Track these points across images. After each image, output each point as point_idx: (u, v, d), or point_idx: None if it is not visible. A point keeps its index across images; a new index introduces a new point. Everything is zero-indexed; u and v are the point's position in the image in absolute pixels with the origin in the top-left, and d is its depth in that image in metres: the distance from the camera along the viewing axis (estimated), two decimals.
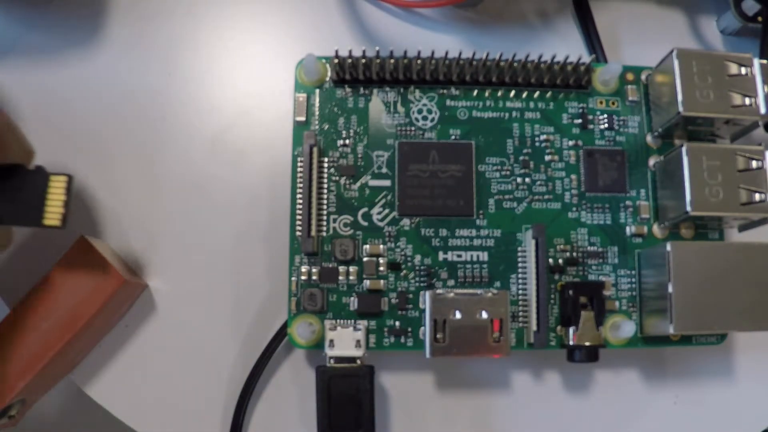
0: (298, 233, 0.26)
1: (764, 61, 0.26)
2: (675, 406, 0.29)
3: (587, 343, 0.26)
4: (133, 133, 0.29)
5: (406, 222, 0.27)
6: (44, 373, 0.25)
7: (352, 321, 0.26)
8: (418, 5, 0.30)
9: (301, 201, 0.26)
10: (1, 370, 0.25)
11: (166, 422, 0.28)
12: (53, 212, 0.24)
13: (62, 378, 0.28)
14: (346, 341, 0.25)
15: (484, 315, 0.25)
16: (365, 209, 0.27)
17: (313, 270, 0.26)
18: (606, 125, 0.28)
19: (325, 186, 0.27)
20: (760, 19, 0.30)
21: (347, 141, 0.27)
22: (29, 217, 0.24)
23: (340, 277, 0.26)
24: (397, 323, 0.26)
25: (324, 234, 0.27)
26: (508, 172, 0.28)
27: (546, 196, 0.28)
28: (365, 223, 0.27)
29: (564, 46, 0.31)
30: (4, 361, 0.25)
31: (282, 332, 0.27)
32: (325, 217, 0.27)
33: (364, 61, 0.27)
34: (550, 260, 0.27)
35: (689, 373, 0.29)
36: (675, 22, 0.32)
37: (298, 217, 0.26)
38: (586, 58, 0.28)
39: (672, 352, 0.29)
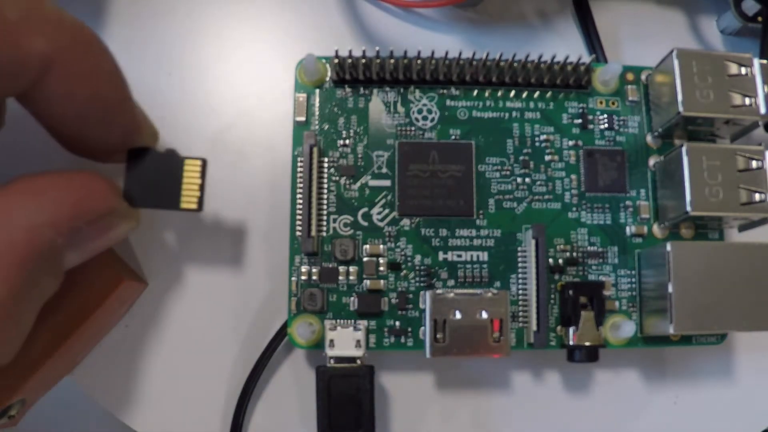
0: (298, 233, 0.26)
1: (764, 61, 0.26)
2: (675, 406, 0.29)
3: (587, 343, 0.26)
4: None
5: (406, 222, 0.27)
6: (44, 373, 0.25)
7: (352, 321, 0.26)
8: (418, 5, 0.30)
9: (301, 201, 0.26)
10: (1, 371, 0.25)
11: (166, 422, 0.28)
12: (190, 196, 0.24)
13: (62, 378, 0.28)
14: (346, 341, 0.25)
15: (484, 315, 0.25)
16: (365, 209, 0.27)
17: (313, 270, 0.26)
18: (606, 125, 0.28)
19: (325, 186, 0.27)
20: (760, 19, 0.30)
21: (347, 141, 0.27)
22: (166, 201, 0.24)
23: (340, 277, 0.26)
24: (397, 323, 0.26)
25: (324, 234, 0.27)
26: (508, 172, 0.28)
27: (546, 196, 0.28)
28: (365, 223, 0.27)
29: (564, 46, 0.31)
30: None
31: (282, 332, 0.27)
32: (325, 217, 0.27)
33: (364, 61, 0.27)
34: (550, 260, 0.27)
35: (689, 373, 0.29)
36: (675, 22, 0.32)
37: (298, 217, 0.26)
38: (586, 58, 0.28)
39: (672, 352, 0.29)
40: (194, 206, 0.24)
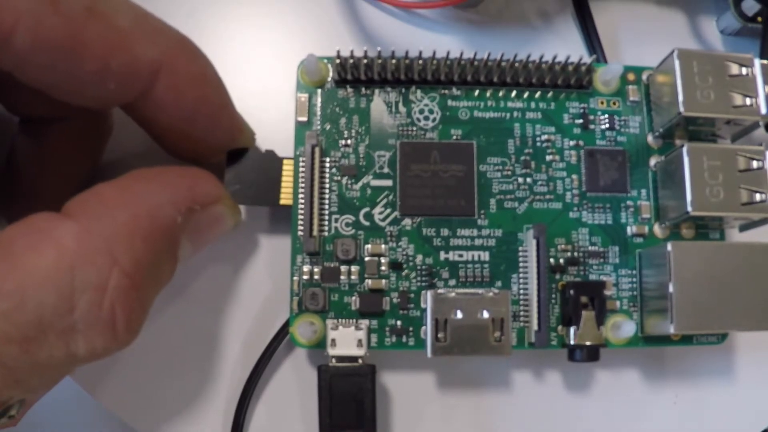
0: (300, 233, 0.26)
1: (765, 62, 0.26)
2: (675, 406, 0.29)
3: (588, 343, 0.26)
4: (133, 134, 0.29)
5: (407, 222, 0.27)
6: None
7: (354, 320, 0.26)
8: (418, 6, 0.30)
9: (302, 201, 0.26)
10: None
11: (166, 422, 0.28)
12: (287, 193, 0.27)
13: (63, 378, 0.28)
14: (347, 340, 0.25)
15: (486, 314, 0.25)
16: (367, 209, 0.27)
17: (315, 269, 0.26)
18: (607, 125, 0.28)
19: (327, 186, 0.27)
20: (760, 19, 0.30)
21: (349, 141, 0.27)
22: (264, 198, 0.27)
23: (342, 277, 0.26)
24: (399, 323, 0.26)
25: (326, 234, 0.27)
26: (509, 172, 0.28)
27: (547, 196, 0.28)
28: (367, 223, 0.27)
29: (564, 46, 0.31)
30: None
31: (283, 331, 0.27)
32: (326, 217, 0.27)
33: (365, 61, 0.27)
34: (551, 260, 0.27)
35: (690, 373, 0.29)
36: (675, 23, 0.32)
37: (300, 216, 0.26)
38: (587, 59, 0.28)
39: (672, 352, 0.29)
40: (290, 202, 0.27)
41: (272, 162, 0.27)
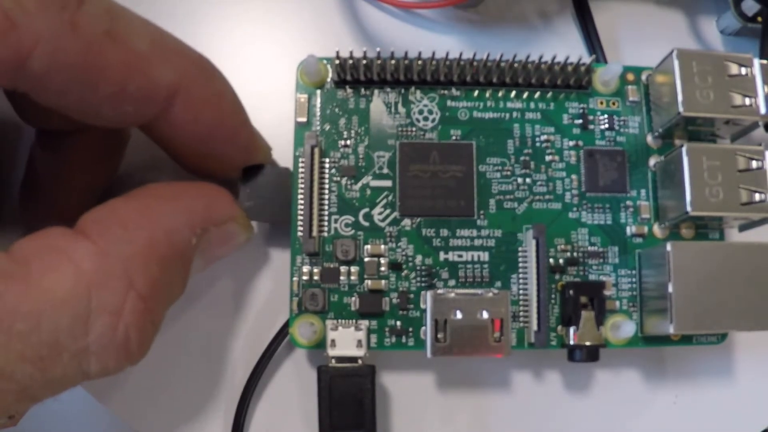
0: (299, 233, 0.26)
1: (764, 62, 0.26)
2: (675, 406, 0.29)
3: (588, 343, 0.26)
4: (134, 134, 0.29)
5: (407, 222, 0.27)
6: None
7: (354, 321, 0.26)
8: (417, 6, 0.30)
9: (302, 201, 0.26)
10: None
11: (166, 422, 0.28)
12: None
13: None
14: (347, 341, 0.25)
15: (485, 315, 0.25)
16: (366, 210, 0.27)
17: (315, 270, 0.26)
18: (606, 125, 0.28)
19: (327, 186, 0.27)
20: (759, 19, 0.30)
21: (348, 141, 0.27)
22: (280, 215, 0.27)
23: (342, 277, 0.27)
24: (398, 323, 0.26)
25: (325, 234, 0.27)
26: (508, 173, 0.28)
27: (546, 197, 0.28)
28: (366, 224, 0.27)
29: (564, 46, 0.31)
30: None
31: (283, 332, 0.27)
32: (326, 218, 0.27)
33: (365, 62, 0.27)
34: (551, 260, 0.27)
35: (689, 373, 0.29)
36: (675, 23, 0.32)
37: (300, 217, 0.26)
38: (586, 59, 0.28)
39: (672, 352, 0.29)
40: None
41: (287, 179, 0.27)
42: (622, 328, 0.26)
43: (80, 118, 0.21)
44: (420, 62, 0.27)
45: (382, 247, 0.27)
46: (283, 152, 0.28)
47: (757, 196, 0.25)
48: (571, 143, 0.28)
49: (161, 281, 0.20)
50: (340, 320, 0.26)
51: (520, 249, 0.27)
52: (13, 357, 0.17)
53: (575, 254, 0.27)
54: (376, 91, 0.28)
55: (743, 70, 0.26)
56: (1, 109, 0.25)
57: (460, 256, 0.27)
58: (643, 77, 0.29)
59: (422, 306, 0.26)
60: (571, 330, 0.26)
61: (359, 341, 0.25)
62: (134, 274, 0.19)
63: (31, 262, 0.18)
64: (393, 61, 0.27)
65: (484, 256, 0.27)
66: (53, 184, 0.25)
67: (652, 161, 0.28)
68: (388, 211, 0.27)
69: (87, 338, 0.18)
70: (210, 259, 0.24)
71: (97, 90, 0.19)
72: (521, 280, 0.27)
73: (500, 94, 0.28)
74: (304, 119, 0.27)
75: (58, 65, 0.18)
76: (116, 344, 0.19)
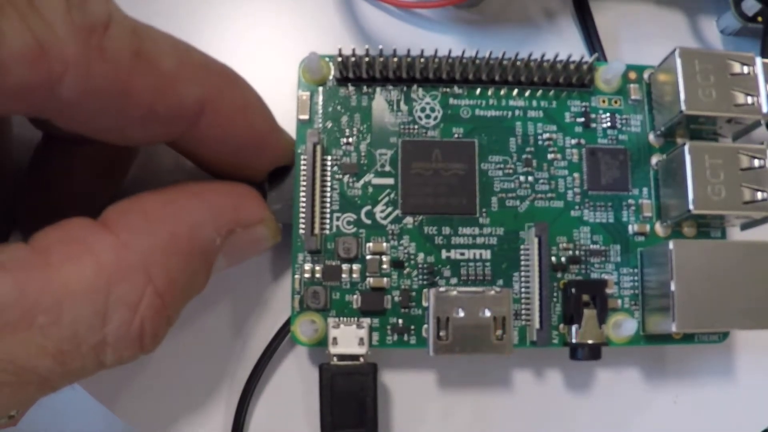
0: (301, 231, 0.26)
1: (766, 60, 0.26)
2: (675, 406, 0.29)
3: (590, 341, 0.26)
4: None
5: (409, 220, 0.27)
6: None
7: (355, 319, 0.26)
8: (417, 6, 0.30)
9: (304, 199, 0.26)
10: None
11: (167, 421, 0.28)
12: None
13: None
14: (349, 339, 0.25)
15: (487, 313, 0.25)
16: (368, 207, 0.27)
17: (317, 268, 0.26)
18: (608, 124, 0.28)
19: (329, 184, 0.27)
20: (760, 19, 0.30)
21: (350, 139, 0.27)
22: None
23: (343, 275, 0.26)
24: (400, 321, 0.26)
25: (327, 232, 0.27)
26: (510, 171, 0.28)
27: (548, 195, 0.28)
28: (368, 221, 0.27)
29: (564, 46, 0.31)
30: None
31: (284, 330, 0.27)
32: (328, 215, 0.27)
33: (367, 59, 0.27)
34: (553, 258, 0.27)
35: (690, 372, 0.29)
36: (675, 23, 0.32)
37: (302, 214, 0.26)
38: (587, 59, 0.28)
39: (673, 351, 0.29)
40: None
41: None
42: (623, 326, 0.26)
43: (105, 140, 0.21)
44: (422, 60, 0.27)
45: (384, 244, 0.27)
46: None
47: (759, 195, 0.25)
48: (573, 141, 0.28)
49: (180, 277, 0.20)
50: (341, 318, 0.26)
51: (522, 247, 0.27)
52: (34, 351, 0.17)
53: (577, 252, 0.27)
54: (378, 89, 0.28)
55: (745, 69, 0.26)
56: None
57: (462, 254, 0.27)
58: (645, 76, 0.29)
59: (424, 304, 0.26)
60: (573, 328, 0.26)
61: (361, 339, 0.25)
62: (153, 268, 0.19)
63: (51, 253, 0.18)
64: (395, 59, 0.27)
65: (486, 254, 0.27)
66: (56, 189, 0.25)
67: (654, 160, 0.28)
68: (390, 209, 0.27)
69: (104, 330, 0.18)
70: (234, 260, 0.24)
71: (125, 114, 0.19)
72: (523, 279, 0.27)
73: (502, 92, 0.28)
74: (306, 117, 0.27)
75: (87, 91, 0.18)
76: (131, 337, 0.19)
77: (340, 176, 0.27)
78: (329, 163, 0.27)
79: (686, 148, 0.26)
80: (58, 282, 0.18)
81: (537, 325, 0.26)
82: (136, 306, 0.19)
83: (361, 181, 0.27)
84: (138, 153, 0.27)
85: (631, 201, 0.28)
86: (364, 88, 0.28)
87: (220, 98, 0.21)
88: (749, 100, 0.26)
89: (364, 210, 0.27)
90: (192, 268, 0.21)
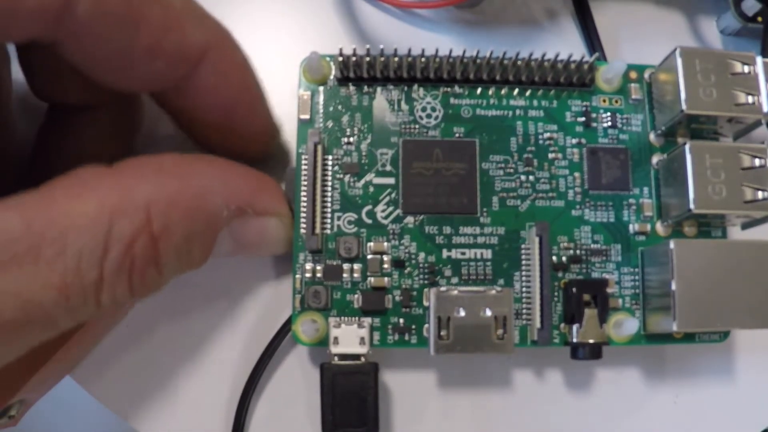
0: (302, 231, 0.26)
1: (767, 60, 0.26)
2: (675, 405, 0.29)
3: (591, 341, 0.26)
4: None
5: (410, 219, 0.27)
6: (45, 373, 0.25)
7: (356, 318, 0.26)
8: (416, 6, 0.30)
9: (305, 198, 0.26)
10: (1, 370, 0.24)
11: (168, 421, 0.28)
12: None
13: (63, 378, 0.28)
14: (350, 338, 0.25)
15: (488, 312, 0.25)
16: (369, 207, 0.27)
17: (318, 267, 0.26)
18: (609, 123, 0.28)
19: (329, 183, 0.27)
20: (760, 19, 0.30)
21: (351, 139, 0.27)
22: None
23: (345, 275, 0.26)
24: (401, 321, 0.26)
25: (328, 232, 0.27)
26: (511, 170, 0.28)
27: (549, 194, 0.28)
28: (369, 221, 0.27)
29: (564, 46, 0.31)
30: None
31: (285, 329, 0.27)
32: (329, 215, 0.27)
33: (368, 59, 0.27)
34: (554, 258, 0.27)
35: (690, 372, 0.29)
36: (674, 23, 0.32)
37: (303, 214, 0.26)
38: (587, 58, 0.28)
39: (673, 351, 0.29)
40: None
41: None
42: (624, 325, 0.26)
43: (108, 78, 0.21)
44: (423, 60, 0.27)
45: (385, 244, 0.27)
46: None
47: (760, 194, 0.25)
48: (574, 141, 0.28)
49: (178, 230, 0.21)
50: (342, 318, 0.26)
51: (523, 246, 0.27)
52: (41, 284, 0.18)
53: (578, 252, 0.27)
54: (378, 89, 0.28)
55: (746, 69, 0.26)
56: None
57: (463, 253, 0.27)
58: (646, 75, 0.29)
59: (425, 303, 0.26)
60: (574, 328, 0.26)
61: (362, 339, 0.25)
62: (153, 212, 0.20)
63: (57, 192, 0.19)
64: (396, 59, 0.27)
65: (487, 253, 0.27)
66: (63, 162, 0.25)
67: (654, 159, 0.28)
68: (391, 209, 0.27)
69: (103, 265, 0.19)
70: (239, 247, 0.24)
71: (134, 41, 0.20)
72: (524, 278, 0.27)
73: (503, 91, 0.28)
74: (307, 116, 0.27)
75: (101, 11, 0.19)
76: (123, 275, 0.20)
77: (341, 176, 0.27)
78: (330, 162, 0.27)
79: (687, 147, 0.26)
80: (62, 216, 0.18)
81: (538, 325, 0.26)
82: (131, 244, 0.19)
83: (362, 181, 0.27)
84: (139, 129, 0.27)
85: (631, 200, 0.28)
86: (365, 88, 0.28)
87: (221, 49, 0.22)
88: (750, 99, 0.26)
89: (365, 209, 0.27)
90: (192, 228, 0.21)
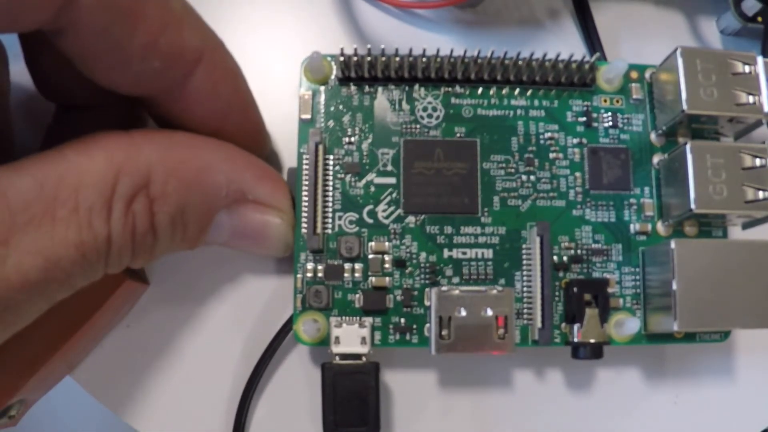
0: (303, 230, 0.26)
1: None
2: (675, 405, 0.29)
3: (592, 340, 0.26)
4: None
5: (411, 219, 0.27)
6: (44, 373, 0.25)
7: (358, 318, 0.26)
8: (417, 6, 0.30)
9: (306, 198, 0.26)
10: (1, 370, 0.24)
11: (168, 420, 0.28)
12: None
13: (63, 378, 0.27)
14: (351, 338, 0.25)
15: (489, 312, 0.25)
16: (370, 207, 0.27)
17: (319, 267, 0.26)
18: (610, 123, 0.28)
19: (331, 183, 0.27)
20: (760, 19, 0.30)
21: (352, 138, 0.27)
22: None
23: (346, 275, 0.26)
24: (402, 320, 0.26)
25: (329, 231, 0.27)
26: (512, 170, 0.28)
27: (550, 194, 0.28)
28: (370, 221, 0.27)
29: (564, 46, 0.31)
30: (4, 361, 0.24)
31: (286, 329, 0.27)
32: (330, 215, 0.27)
33: (369, 59, 0.27)
34: (555, 258, 0.27)
35: (691, 372, 0.29)
36: (674, 23, 0.32)
37: (304, 214, 0.26)
38: (588, 58, 0.28)
39: (674, 351, 0.29)
40: None
41: None
42: (625, 325, 0.26)
43: (105, 76, 0.21)
44: (424, 59, 0.27)
45: (386, 244, 0.27)
46: (286, 149, 0.28)
47: (760, 194, 0.25)
48: (575, 141, 0.28)
49: (174, 197, 0.21)
50: (344, 317, 0.26)
51: (524, 246, 0.27)
52: (58, 242, 0.18)
53: (579, 252, 0.27)
54: (380, 89, 0.28)
55: (747, 68, 0.26)
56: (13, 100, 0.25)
57: (464, 253, 0.27)
58: (647, 75, 0.29)
59: (426, 303, 0.26)
60: (575, 327, 0.26)
61: (363, 338, 0.25)
62: (154, 175, 0.20)
63: (67, 149, 0.19)
64: (397, 59, 0.27)
65: (488, 253, 0.27)
66: None
67: (655, 159, 0.28)
68: (392, 208, 0.27)
69: (110, 224, 0.19)
70: (238, 237, 0.24)
71: (132, 37, 0.20)
72: (525, 278, 0.27)
73: (504, 91, 0.28)
74: (308, 116, 0.27)
75: (104, 2, 0.19)
76: (128, 234, 0.20)
77: (342, 175, 0.27)
78: (331, 162, 0.27)
79: (688, 147, 0.26)
80: (73, 174, 0.19)
81: (539, 324, 0.26)
82: (130, 202, 0.20)
83: (363, 181, 0.27)
84: (146, 124, 0.27)
85: (632, 200, 0.28)
86: (366, 88, 0.28)
87: (216, 55, 0.22)
88: (751, 99, 0.26)
89: (366, 209, 0.27)
90: (189, 199, 0.22)
